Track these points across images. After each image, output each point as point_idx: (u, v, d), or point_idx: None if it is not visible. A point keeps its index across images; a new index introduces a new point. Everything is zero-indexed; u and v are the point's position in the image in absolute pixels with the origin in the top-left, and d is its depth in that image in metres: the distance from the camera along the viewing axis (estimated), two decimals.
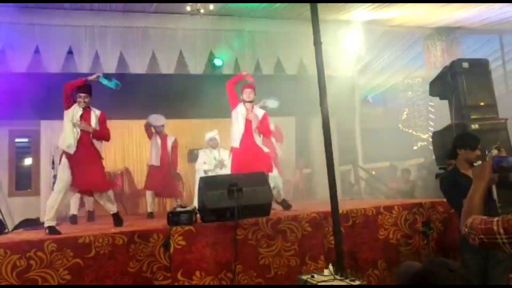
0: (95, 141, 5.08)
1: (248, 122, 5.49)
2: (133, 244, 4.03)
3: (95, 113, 5.13)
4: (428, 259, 4.27)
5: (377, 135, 10.10)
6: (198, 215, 4.52)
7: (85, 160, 4.94)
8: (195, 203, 5.18)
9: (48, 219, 4.66)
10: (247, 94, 5.59)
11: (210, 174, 6.64)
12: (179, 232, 4.13)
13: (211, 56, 8.14)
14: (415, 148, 11.46)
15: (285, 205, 5.43)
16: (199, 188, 4.64)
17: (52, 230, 4.56)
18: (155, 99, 7.71)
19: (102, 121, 5.16)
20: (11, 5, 6.77)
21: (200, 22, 7.47)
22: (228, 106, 7.82)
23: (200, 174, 6.56)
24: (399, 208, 4.85)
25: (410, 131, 11.63)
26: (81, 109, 5.03)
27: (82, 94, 5.02)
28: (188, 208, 4.43)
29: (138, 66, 7.52)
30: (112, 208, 5.12)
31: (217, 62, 8.13)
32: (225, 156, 6.91)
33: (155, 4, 7.21)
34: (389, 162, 10.31)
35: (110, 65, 7.34)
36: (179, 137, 8.24)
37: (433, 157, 5.87)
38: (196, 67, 7.90)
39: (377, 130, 10.43)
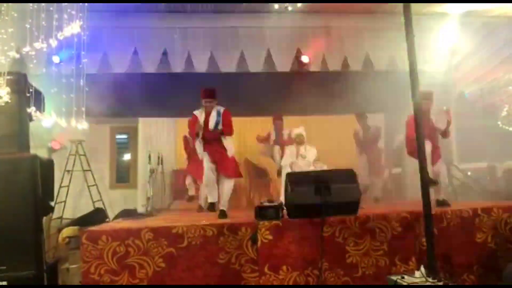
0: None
1: None
2: (222, 236, 4.17)
3: (216, 111, 5.67)
4: None
5: (473, 133, 9.47)
6: (284, 211, 4.56)
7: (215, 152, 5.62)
8: (282, 199, 5.23)
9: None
10: None
11: (294, 165, 6.68)
12: (266, 227, 4.21)
13: (298, 53, 8.15)
14: None
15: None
16: (286, 184, 4.67)
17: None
18: (242, 97, 7.89)
19: (224, 117, 5.68)
20: (113, 11, 7.27)
21: (287, 20, 7.49)
22: (315, 102, 7.81)
23: (286, 170, 6.60)
24: (499, 210, 4.54)
25: (511, 129, 10.78)
26: (204, 113, 5.66)
27: (203, 99, 5.65)
28: (275, 203, 4.48)
29: (227, 65, 7.72)
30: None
31: (304, 59, 8.10)
32: (310, 153, 6.89)
33: (243, 4, 7.36)
34: (486, 162, 9.64)
35: (201, 65, 7.62)
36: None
37: None
38: (283, 64, 7.94)
39: (474, 128, 9.79)
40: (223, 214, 5.22)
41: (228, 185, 5.58)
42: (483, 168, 9.62)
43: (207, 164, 5.56)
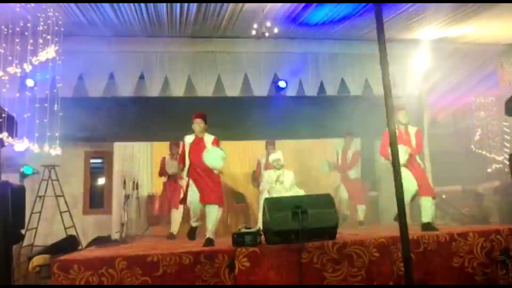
0: None
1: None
2: (199, 264, 4.08)
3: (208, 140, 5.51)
4: None
5: (447, 157, 9.64)
6: (262, 237, 4.51)
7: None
8: (260, 225, 5.18)
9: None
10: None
11: (271, 190, 6.66)
12: (243, 253, 4.14)
13: (275, 78, 8.22)
14: (489, 170, 10.83)
15: None
16: (264, 210, 4.64)
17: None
18: (220, 121, 7.87)
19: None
20: (89, 35, 7.23)
21: (265, 45, 7.59)
22: (291, 127, 7.86)
23: (264, 195, 6.57)
24: (475, 234, 4.59)
25: (484, 152, 11.02)
26: (193, 136, 5.52)
27: (198, 120, 5.50)
28: (253, 230, 4.43)
29: (204, 89, 7.72)
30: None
31: (281, 84, 8.18)
32: (289, 177, 6.89)
33: (221, 29, 7.43)
34: (460, 185, 9.80)
35: (178, 89, 7.60)
36: (243, 159, 8.34)
37: (510, 180, 5.51)
38: (260, 89, 7.99)
39: (447, 151, 9.96)
40: (210, 242, 5.00)
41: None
42: (457, 191, 9.77)
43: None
